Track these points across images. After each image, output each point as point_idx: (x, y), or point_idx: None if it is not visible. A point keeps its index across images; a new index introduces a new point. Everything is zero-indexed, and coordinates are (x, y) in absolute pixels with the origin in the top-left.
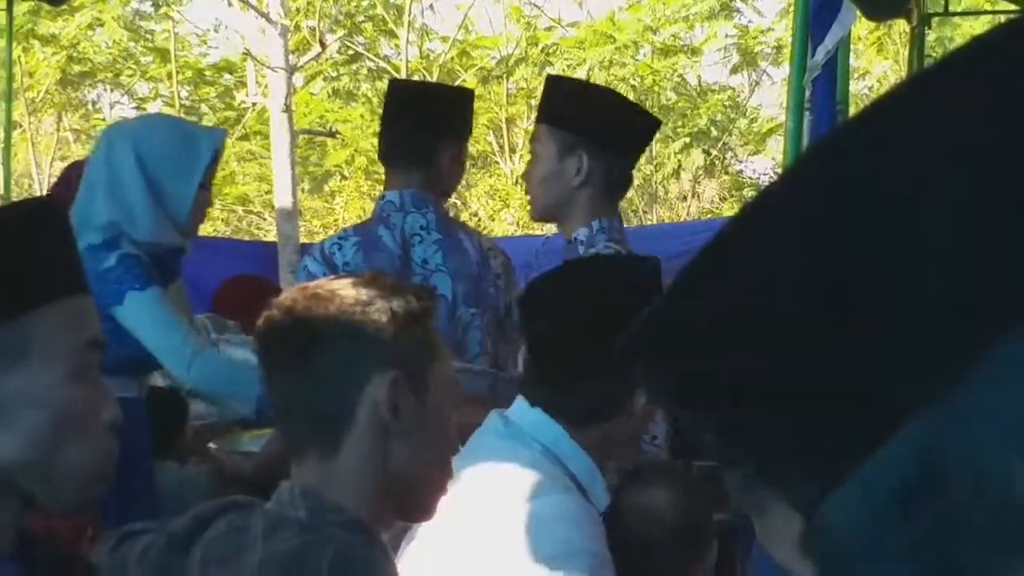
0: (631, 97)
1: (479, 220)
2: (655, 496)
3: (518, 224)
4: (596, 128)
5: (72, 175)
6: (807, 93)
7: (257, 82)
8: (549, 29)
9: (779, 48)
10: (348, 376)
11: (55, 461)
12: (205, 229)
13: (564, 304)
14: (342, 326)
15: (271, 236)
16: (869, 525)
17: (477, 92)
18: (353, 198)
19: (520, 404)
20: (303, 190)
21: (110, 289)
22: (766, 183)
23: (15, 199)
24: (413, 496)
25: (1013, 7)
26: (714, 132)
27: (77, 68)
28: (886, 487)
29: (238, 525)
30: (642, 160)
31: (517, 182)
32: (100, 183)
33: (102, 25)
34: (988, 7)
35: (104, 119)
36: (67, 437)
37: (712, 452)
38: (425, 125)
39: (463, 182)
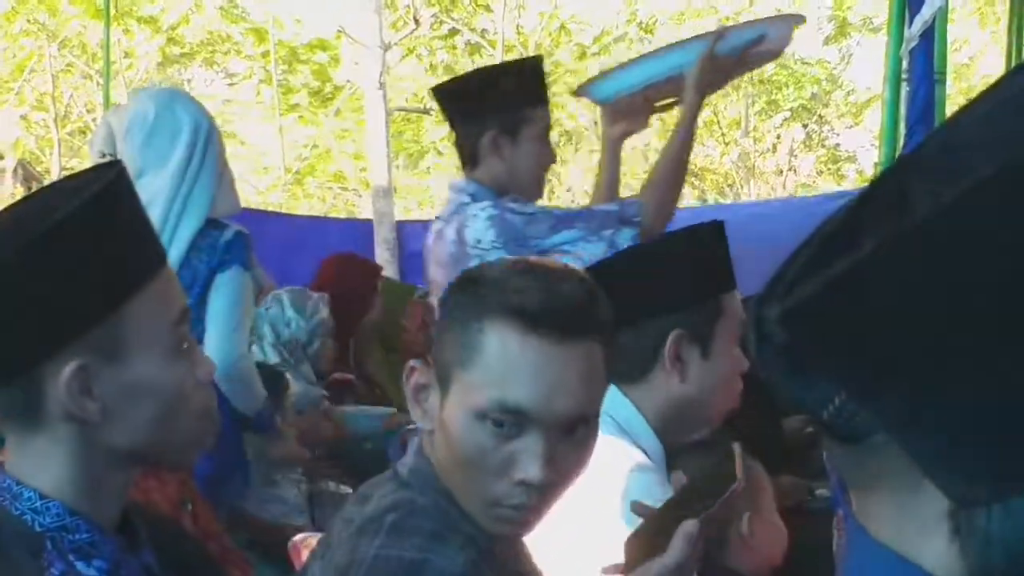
0: None
1: (574, 195)
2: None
3: None
4: None
5: None
6: (904, 64)
7: (353, 61)
8: None
9: (871, 19)
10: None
11: (171, 432)
12: (301, 207)
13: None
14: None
15: (366, 213)
16: None
17: (573, 68)
18: (449, 175)
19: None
20: (398, 167)
21: (220, 258)
22: (863, 155)
23: None
24: None
25: None
26: (811, 105)
27: (176, 49)
28: None
29: (375, 482)
30: (739, 133)
31: None
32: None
33: (200, 8)
34: None
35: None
36: (178, 412)
37: (824, 422)
38: (458, 122)
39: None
